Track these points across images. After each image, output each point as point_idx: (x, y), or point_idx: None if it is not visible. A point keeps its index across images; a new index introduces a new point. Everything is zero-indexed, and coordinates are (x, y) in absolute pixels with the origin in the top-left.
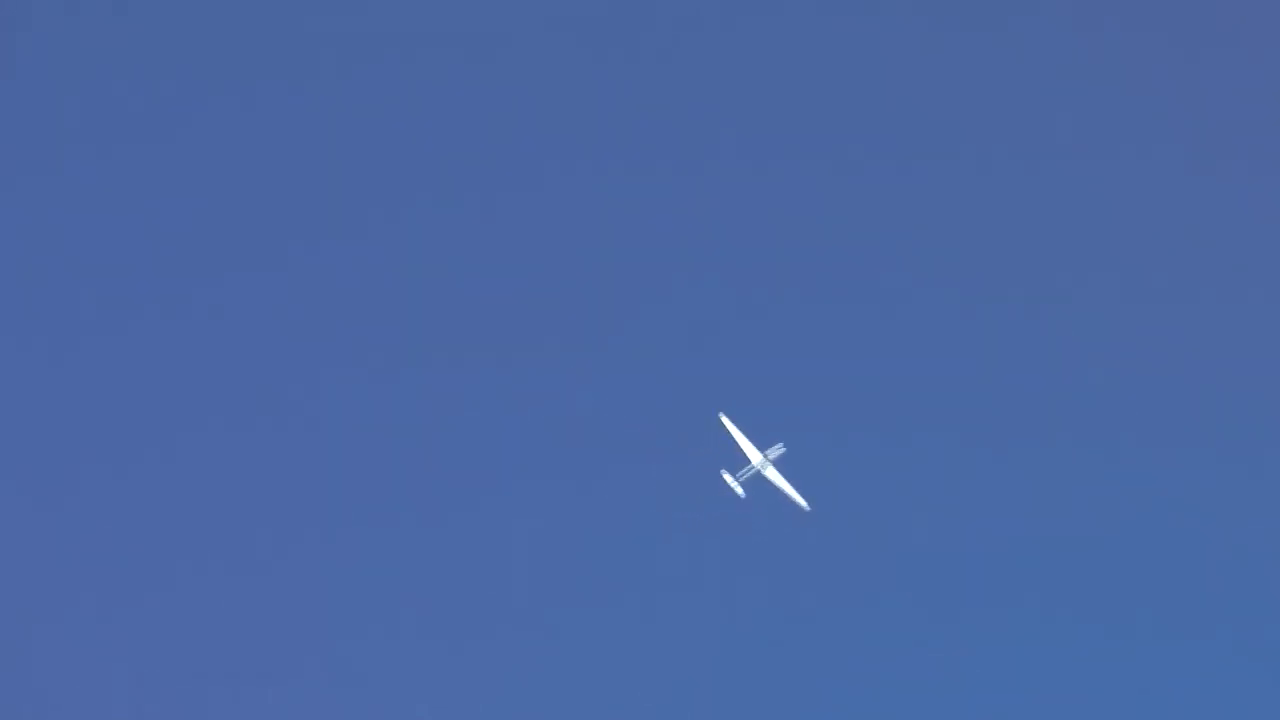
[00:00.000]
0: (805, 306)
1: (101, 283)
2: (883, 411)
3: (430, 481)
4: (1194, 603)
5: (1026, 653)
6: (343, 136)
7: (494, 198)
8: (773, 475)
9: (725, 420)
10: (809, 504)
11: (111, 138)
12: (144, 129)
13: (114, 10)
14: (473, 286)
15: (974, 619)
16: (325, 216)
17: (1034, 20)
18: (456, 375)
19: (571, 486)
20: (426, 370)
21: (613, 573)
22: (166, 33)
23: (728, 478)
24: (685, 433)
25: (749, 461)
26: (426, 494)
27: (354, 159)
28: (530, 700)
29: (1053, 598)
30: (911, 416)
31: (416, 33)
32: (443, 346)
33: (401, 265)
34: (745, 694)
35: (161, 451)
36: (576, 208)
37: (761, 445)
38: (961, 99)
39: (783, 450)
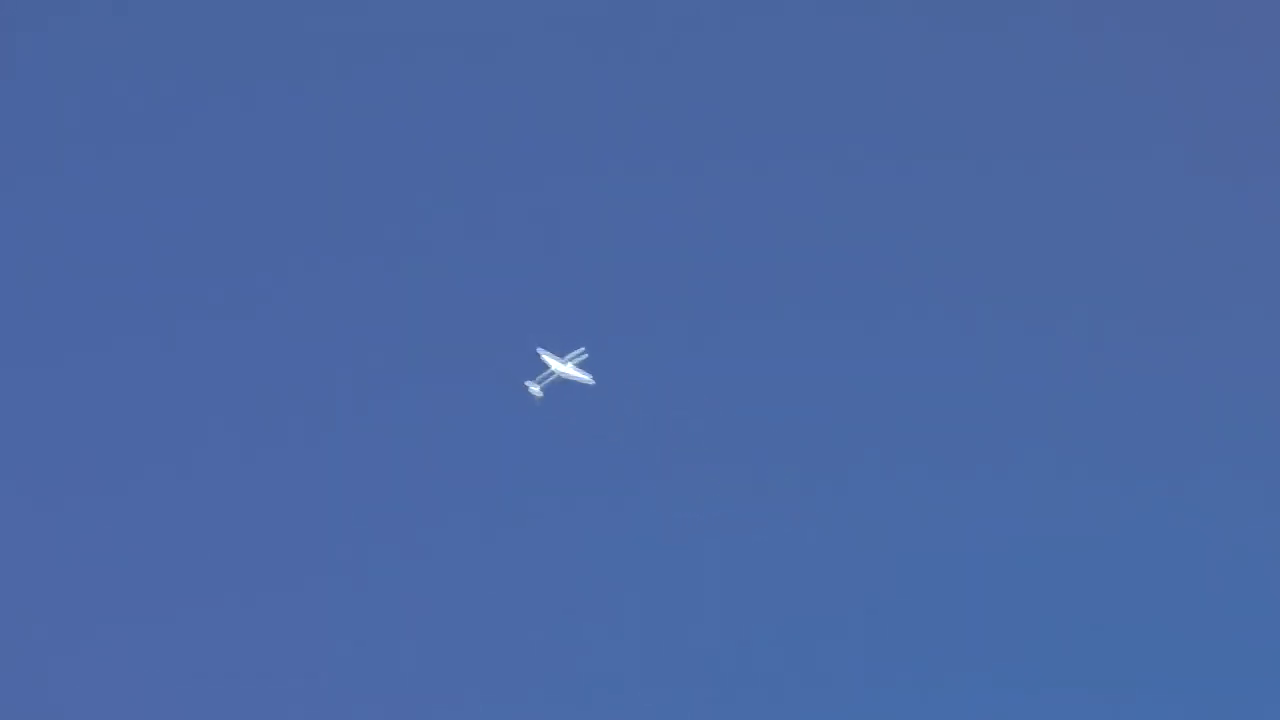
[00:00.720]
0: (807, 309)
1: (101, 286)
2: (882, 411)
3: (427, 485)
4: (1194, 605)
5: (1023, 653)
6: (342, 138)
7: (493, 199)
8: (569, 371)
9: (542, 353)
10: (593, 379)
11: (111, 141)
12: (143, 132)
13: (114, 10)
14: (472, 288)
15: (974, 619)
16: (326, 219)
17: (1034, 20)
18: (457, 377)
19: (585, 499)
20: (425, 375)
21: (613, 573)
22: (166, 32)
23: (530, 385)
24: (699, 438)
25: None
26: (427, 498)
27: (352, 160)
28: (527, 698)
29: (1052, 598)
30: (911, 417)
31: (416, 33)
32: (443, 348)
33: (397, 268)
34: (745, 693)
35: (163, 458)
36: (576, 208)
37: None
38: (961, 100)
39: (584, 355)
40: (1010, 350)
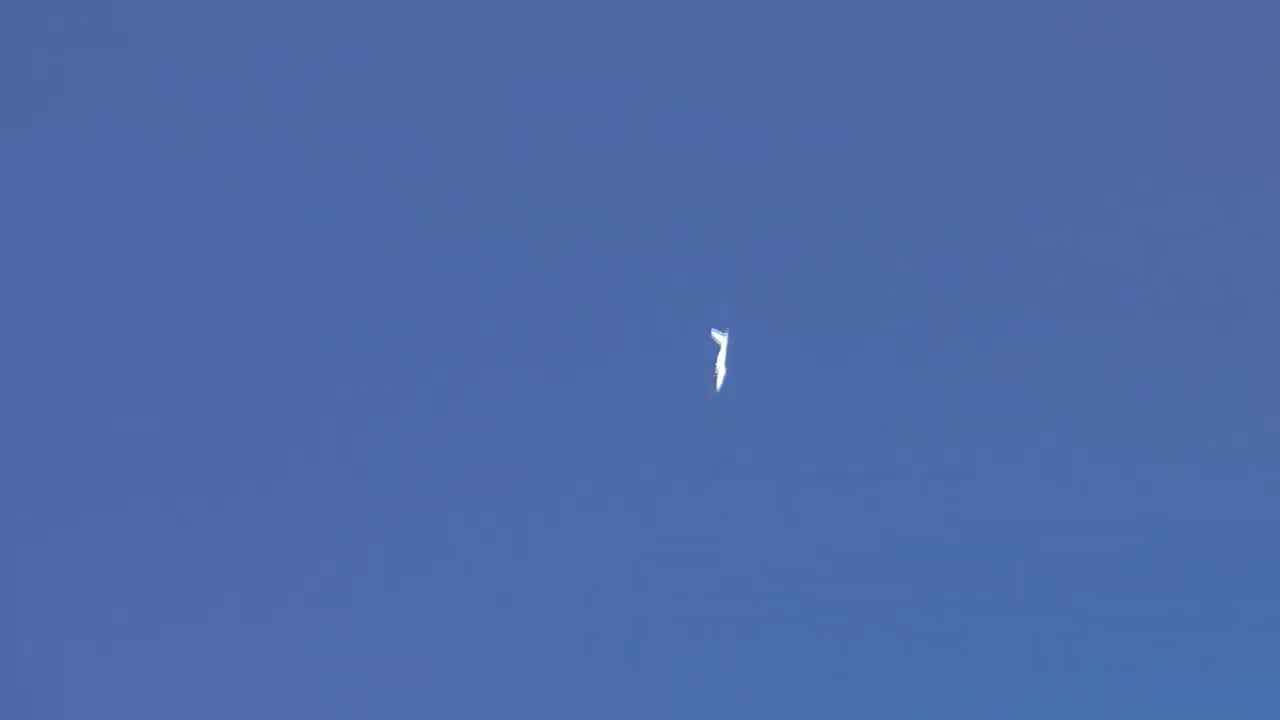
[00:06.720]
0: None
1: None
2: (885, 408)
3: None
4: (1196, 609)
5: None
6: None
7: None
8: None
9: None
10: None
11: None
12: (139, 121)
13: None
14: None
15: (976, 621)
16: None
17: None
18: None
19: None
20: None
21: (605, 573)
22: (164, 30)
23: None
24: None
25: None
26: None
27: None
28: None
29: (1053, 601)
30: (915, 414)
31: None
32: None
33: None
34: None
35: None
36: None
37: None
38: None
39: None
40: (1009, 349)
